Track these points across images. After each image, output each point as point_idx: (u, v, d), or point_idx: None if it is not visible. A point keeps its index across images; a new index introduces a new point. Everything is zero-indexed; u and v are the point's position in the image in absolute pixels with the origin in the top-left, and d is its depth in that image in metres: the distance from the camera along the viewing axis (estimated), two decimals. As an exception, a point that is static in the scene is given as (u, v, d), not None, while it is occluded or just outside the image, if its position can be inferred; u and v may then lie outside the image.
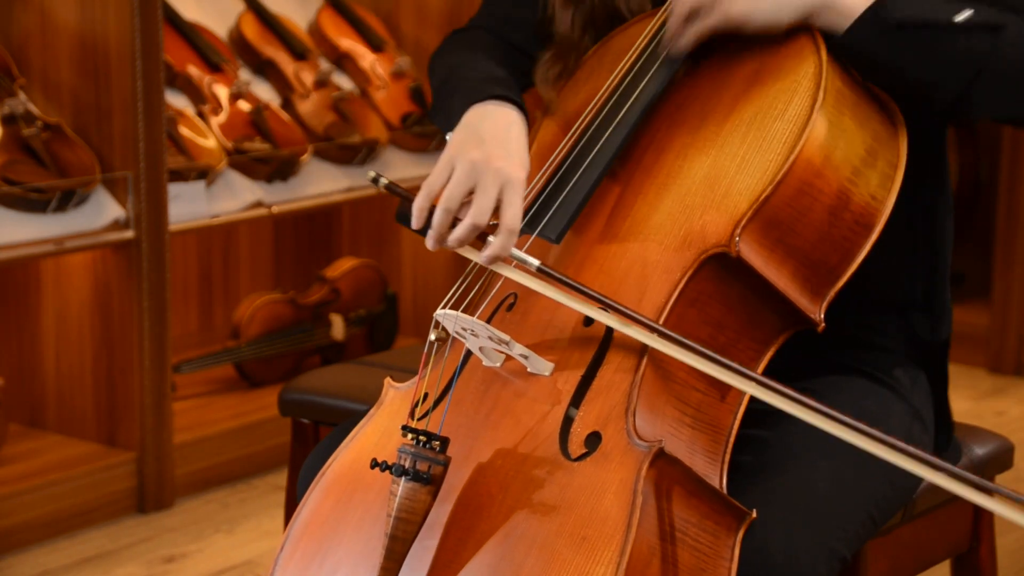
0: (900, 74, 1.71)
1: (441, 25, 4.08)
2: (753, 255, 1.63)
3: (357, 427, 1.74)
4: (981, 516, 2.09)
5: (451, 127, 1.77)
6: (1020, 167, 4.34)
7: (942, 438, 1.92)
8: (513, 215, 1.65)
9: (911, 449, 1.51)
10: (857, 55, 1.71)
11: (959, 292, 1.94)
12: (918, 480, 1.87)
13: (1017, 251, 4.35)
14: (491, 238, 1.65)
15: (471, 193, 1.66)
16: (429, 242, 1.68)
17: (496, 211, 1.66)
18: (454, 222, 1.67)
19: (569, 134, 1.77)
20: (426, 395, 1.70)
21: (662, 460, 1.53)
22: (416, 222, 1.68)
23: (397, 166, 3.92)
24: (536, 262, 1.63)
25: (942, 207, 1.89)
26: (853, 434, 1.53)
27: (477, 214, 1.65)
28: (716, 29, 1.72)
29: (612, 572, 1.47)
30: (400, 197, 1.70)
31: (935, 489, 1.96)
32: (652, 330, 1.59)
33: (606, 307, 1.60)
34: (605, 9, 1.88)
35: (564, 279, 1.62)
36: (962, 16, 1.68)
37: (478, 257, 1.66)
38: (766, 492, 1.66)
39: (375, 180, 1.68)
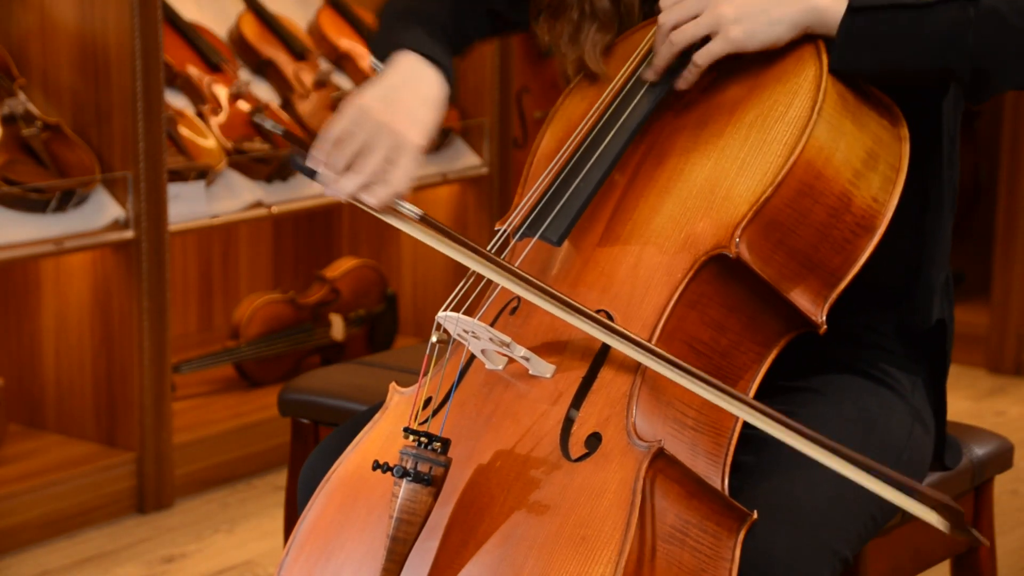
0: (902, 71, 1.71)
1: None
2: (753, 257, 1.63)
3: (362, 432, 1.75)
4: (981, 516, 2.09)
5: (381, 60, 1.84)
6: (1020, 167, 4.34)
7: (940, 437, 1.92)
8: (398, 174, 1.70)
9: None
10: (853, 69, 1.72)
11: (959, 292, 1.95)
12: (920, 480, 1.87)
13: (1017, 251, 4.35)
14: (369, 195, 1.70)
15: (364, 148, 1.71)
16: (322, 185, 1.72)
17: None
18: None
19: (571, 138, 1.78)
20: (429, 399, 1.70)
21: (662, 460, 1.53)
22: (314, 163, 1.72)
23: (397, 166, 3.91)
24: (418, 211, 1.68)
25: (934, 192, 1.87)
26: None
27: (368, 169, 1.70)
28: (719, 55, 1.73)
29: (611, 572, 1.47)
30: (294, 142, 1.73)
31: (935, 489, 1.95)
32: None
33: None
34: None
35: (448, 231, 1.66)
36: None
37: (365, 206, 1.71)
38: (768, 492, 1.66)
39: (261, 121, 1.72)
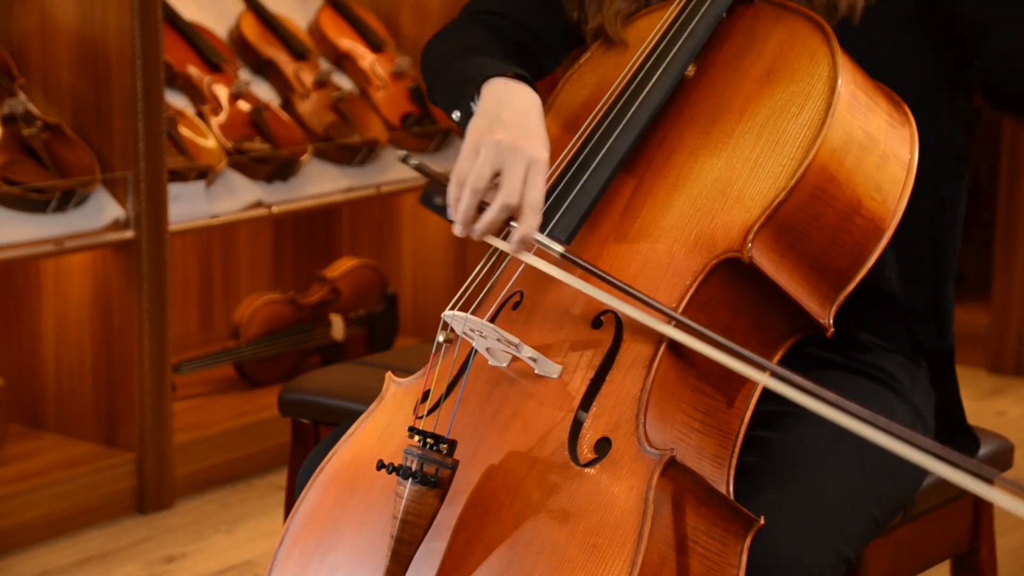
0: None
1: (441, 25, 4.08)
2: (764, 260, 1.62)
3: (357, 422, 1.73)
4: (981, 516, 2.09)
5: (458, 104, 1.77)
6: (1020, 167, 4.34)
7: (959, 438, 1.93)
8: (537, 195, 1.64)
9: (919, 438, 1.51)
10: None
11: (959, 292, 1.98)
12: (921, 480, 1.88)
13: (1017, 251, 4.35)
14: (514, 223, 1.64)
15: (497, 176, 1.65)
16: (458, 228, 1.67)
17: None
18: (481, 207, 1.67)
19: (578, 133, 1.75)
20: (427, 393, 1.69)
21: (673, 469, 1.52)
22: (453, 212, 1.67)
23: (396, 166, 3.92)
24: (560, 248, 1.63)
25: (951, 211, 1.90)
26: (865, 426, 1.53)
27: (507, 194, 1.64)
28: None
29: (623, 582, 1.46)
30: (428, 178, 1.70)
31: (935, 489, 1.96)
32: (674, 320, 1.58)
33: (626, 294, 1.60)
34: None
35: (590, 267, 1.61)
36: None
37: (505, 246, 1.66)
38: (773, 494, 1.66)
39: (404, 159, 1.69)
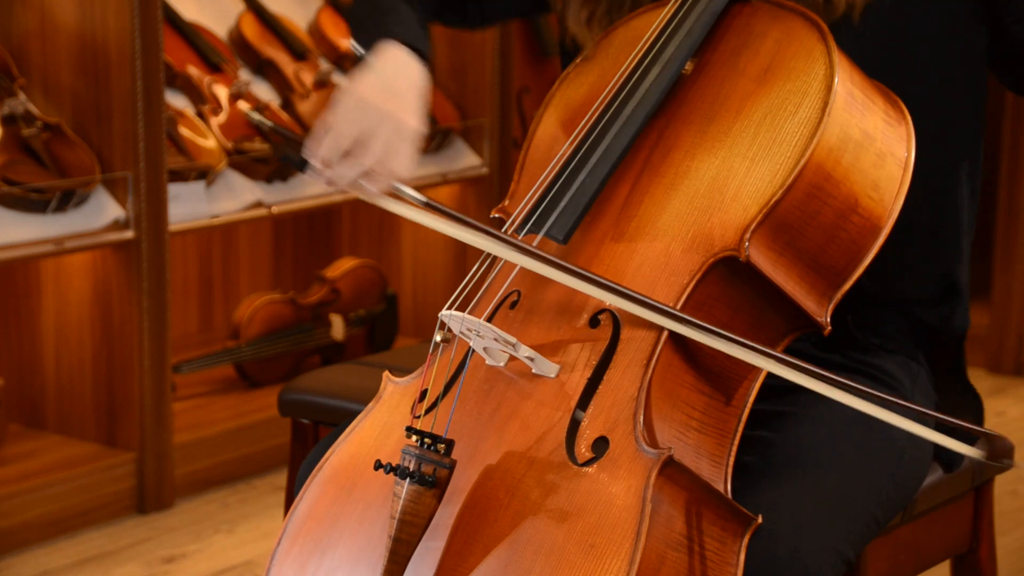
0: None
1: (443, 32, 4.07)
2: (762, 259, 1.62)
3: (355, 421, 1.73)
4: (981, 516, 2.09)
5: (361, 41, 1.85)
6: (1020, 167, 4.34)
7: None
8: (400, 163, 1.70)
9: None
10: None
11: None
12: (921, 479, 1.88)
13: (1017, 251, 4.35)
14: (371, 182, 1.70)
15: (366, 136, 1.70)
16: (314, 173, 1.71)
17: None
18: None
19: (575, 131, 1.75)
20: (425, 392, 1.69)
21: (671, 468, 1.52)
22: (314, 154, 1.71)
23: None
24: (422, 197, 1.68)
25: (962, 199, 1.90)
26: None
27: (369, 157, 1.69)
28: None
29: (621, 581, 1.46)
30: (280, 136, 1.74)
31: (935, 489, 1.96)
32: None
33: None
34: None
35: (453, 213, 1.66)
36: None
37: (365, 194, 1.71)
38: (772, 494, 1.66)
39: (252, 119, 1.72)
